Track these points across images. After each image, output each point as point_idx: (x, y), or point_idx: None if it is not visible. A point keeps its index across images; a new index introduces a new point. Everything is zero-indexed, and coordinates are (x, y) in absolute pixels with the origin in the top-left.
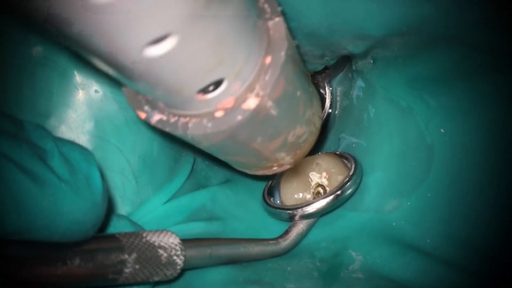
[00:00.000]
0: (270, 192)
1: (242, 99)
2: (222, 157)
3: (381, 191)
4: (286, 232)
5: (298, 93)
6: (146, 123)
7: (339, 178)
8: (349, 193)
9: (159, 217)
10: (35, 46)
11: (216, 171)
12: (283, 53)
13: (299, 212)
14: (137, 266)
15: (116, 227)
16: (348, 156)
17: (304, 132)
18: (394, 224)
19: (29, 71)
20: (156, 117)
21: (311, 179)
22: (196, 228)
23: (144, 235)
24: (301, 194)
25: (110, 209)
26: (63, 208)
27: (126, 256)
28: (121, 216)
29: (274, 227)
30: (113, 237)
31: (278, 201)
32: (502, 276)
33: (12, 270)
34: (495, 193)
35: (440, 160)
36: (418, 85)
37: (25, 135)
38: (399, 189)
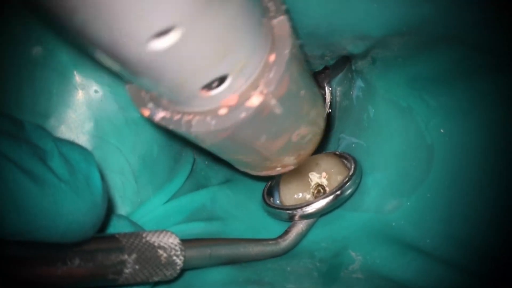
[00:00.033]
0: (270, 192)
1: (246, 96)
2: (225, 156)
3: (381, 191)
4: (286, 232)
5: (302, 92)
6: (150, 120)
7: (339, 178)
8: (349, 193)
9: (159, 217)
10: (35, 46)
11: (216, 171)
12: (287, 51)
13: (299, 212)
14: (137, 267)
15: (116, 227)
16: (347, 156)
17: (308, 132)
18: (394, 224)
19: (29, 71)
20: (159, 115)
21: (310, 179)
22: (196, 228)
23: (144, 235)
24: (300, 194)
25: (110, 209)
26: (63, 209)
27: (126, 256)
28: (121, 216)
29: (274, 227)
30: (113, 237)
31: (277, 201)
32: (502, 276)
33: (12, 270)
34: (495, 193)
35: (440, 160)
36: (418, 85)
37: (25, 135)
38: (399, 189)
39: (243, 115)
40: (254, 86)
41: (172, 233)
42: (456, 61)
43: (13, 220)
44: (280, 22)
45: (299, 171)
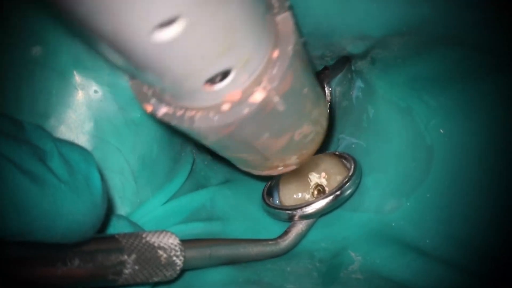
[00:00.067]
0: (270, 192)
1: (249, 92)
2: (227, 154)
3: (381, 191)
4: (286, 232)
5: (306, 90)
6: (152, 116)
7: (338, 178)
8: (349, 194)
9: (159, 218)
10: (35, 46)
11: (216, 172)
12: (291, 47)
13: (299, 212)
14: (136, 267)
15: (115, 227)
16: (347, 156)
17: (310, 131)
18: (393, 224)
19: (28, 71)
20: (162, 110)
21: (310, 179)
22: (196, 229)
23: (144, 235)
24: (300, 194)
25: (109, 209)
26: (63, 209)
27: (126, 257)
28: (120, 216)
29: (274, 227)
30: (112, 238)
31: (277, 201)
32: (502, 276)
33: (12, 270)
34: (495, 193)
35: (439, 160)
36: (418, 85)
37: (24, 136)
38: (398, 189)
39: (246, 111)
40: (257, 82)
41: (172, 233)
42: (456, 61)
43: (13, 220)
44: (284, 19)
45: (299, 171)
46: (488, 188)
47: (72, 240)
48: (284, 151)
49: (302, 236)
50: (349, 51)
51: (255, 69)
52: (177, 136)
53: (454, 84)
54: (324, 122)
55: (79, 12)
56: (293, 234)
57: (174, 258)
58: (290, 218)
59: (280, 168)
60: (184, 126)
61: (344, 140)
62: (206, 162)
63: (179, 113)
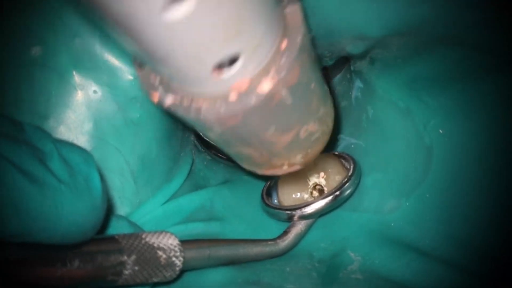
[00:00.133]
0: (269, 192)
1: (256, 82)
2: (232, 150)
3: (380, 191)
4: (285, 232)
5: (313, 85)
6: (159, 105)
7: (337, 178)
8: (348, 194)
9: (158, 218)
10: (34, 46)
11: (215, 172)
12: (299, 38)
13: (298, 212)
14: (136, 268)
15: (115, 227)
16: (346, 156)
17: (316, 129)
18: (393, 224)
19: (28, 72)
20: (169, 100)
21: (309, 179)
22: (195, 229)
23: (143, 236)
24: (298, 194)
25: (109, 210)
26: (63, 211)
27: (126, 257)
28: (120, 217)
29: (273, 227)
30: (112, 238)
31: (276, 201)
32: (502, 276)
33: (12, 271)
34: (495, 193)
35: (439, 160)
36: (417, 85)
37: (24, 137)
38: (398, 189)
39: (253, 100)
40: (265, 72)
41: (172, 234)
42: (456, 62)
43: (13, 221)
44: (293, 11)
45: (298, 171)
46: (488, 188)
47: (72, 241)
48: (290, 148)
49: (302, 236)
50: (349, 51)
51: (263, 58)
52: (176, 136)
53: (454, 84)
54: (330, 122)
55: None
56: (293, 235)
57: (174, 258)
58: (290, 218)
59: (285, 167)
60: (190, 116)
61: (343, 141)
62: (205, 163)
63: (186, 102)
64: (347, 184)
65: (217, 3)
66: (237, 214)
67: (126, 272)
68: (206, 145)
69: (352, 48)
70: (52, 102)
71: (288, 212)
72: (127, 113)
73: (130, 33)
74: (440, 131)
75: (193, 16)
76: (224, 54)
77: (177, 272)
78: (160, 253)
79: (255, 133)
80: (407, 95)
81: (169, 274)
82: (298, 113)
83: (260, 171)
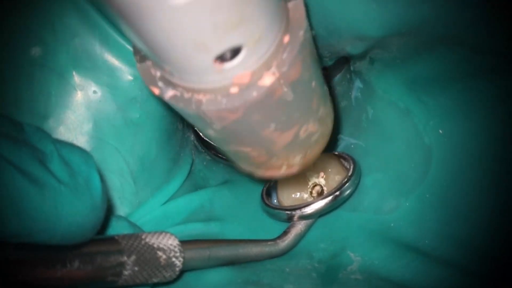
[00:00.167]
0: (268, 192)
1: (258, 75)
2: (231, 148)
3: (380, 191)
4: (285, 233)
5: (314, 84)
6: (160, 98)
7: (337, 178)
8: (348, 194)
9: (158, 218)
10: (34, 46)
11: (215, 172)
12: (302, 33)
13: (298, 213)
14: (136, 268)
15: (115, 228)
16: (346, 156)
17: (316, 130)
18: (392, 224)
19: (27, 72)
20: (170, 93)
21: (308, 179)
22: (195, 229)
23: (143, 237)
24: (298, 194)
25: (109, 210)
26: (63, 211)
27: (125, 258)
28: (120, 217)
29: (273, 228)
30: (112, 239)
31: (275, 201)
32: (502, 276)
33: (12, 272)
34: (494, 193)
35: (438, 160)
36: (417, 86)
37: (24, 138)
38: (397, 189)
39: (254, 94)
40: (267, 66)
41: (172, 234)
42: (456, 62)
43: (13, 222)
44: (296, 5)
45: None
46: (487, 188)
47: (71, 241)
48: (289, 148)
49: (301, 236)
50: (348, 51)
51: (265, 51)
52: (176, 137)
53: (453, 84)
54: (329, 124)
55: None
56: (292, 235)
57: (174, 259)
58: (289, 219)
59: (283, 169)
60: (191, 109)
61: (343, 141)
62: (205, 163)
63: (187, 95)
64: (347, 184)
65: None
66: (236, 215)
67: (126, 272)
68: (206, 146)
69: (352, 48)
70: (51, 102)
71: (288, 212)
72: (126, 114)
73: (133, 18)
74: (440, 131)
75: (197, 1)
76: (226, 43)
77: (177, 273)
78: (160, 253)
79: (255, 129)
80: (407, 95)
81: (169, 275)
82: (299, 111)
83: (258, 173)
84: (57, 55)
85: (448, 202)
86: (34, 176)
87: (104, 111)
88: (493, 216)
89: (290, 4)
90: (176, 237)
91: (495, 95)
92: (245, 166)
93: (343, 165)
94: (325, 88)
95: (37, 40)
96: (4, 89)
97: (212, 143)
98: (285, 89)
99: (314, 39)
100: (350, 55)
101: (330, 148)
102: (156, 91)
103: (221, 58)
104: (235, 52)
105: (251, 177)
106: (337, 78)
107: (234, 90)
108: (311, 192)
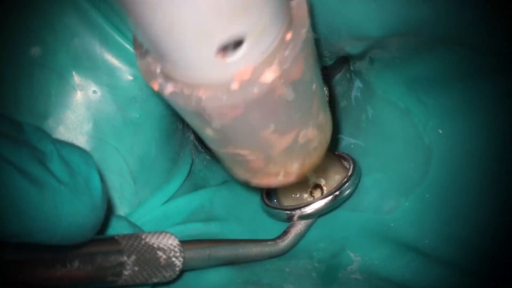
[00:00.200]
0: (268, 192)
1: (259, 71)
2: (228, 150)
3: (380, 191)
4: (285, 232)
5: (314, 86)
6: (159, 94)
7: (336, 177)
8: (348, 194)
9: (158, 218)
10: (33, 46)
11: (215, 172)
12: (304, 30)
13: (298, 212)
14: (136, 268)
15: (115, 228)
16: (346, 156)
17: (315, 136)
18: (392, 224)
19: (27, 72)
20: (169, 89)
21: (308, 178)
22: (195, 229)
23: (143, 237)
24: (298, 194)
25: (109, 210)
26: (63, 212)
27: (125, 258)
28: (120, 217)
29: (272, 227)
30: (112, 239)
31: (275, 201)
32: (502, 276)
33: (11, 272)
34: (494, 193)
35: (438, 160)
36: (417, 86)
37: (24, 138)
38: (397, 189)
39: (255, 90)
40: (268, 62)
41: (172, 234)
42: (455, 62)
43: (13, 222)
44: (299, 3)
45: None
46: (487, 188)
47: (71, 241)
48: (288, 153)
49: (301, 236)
50: (348, 51)
51: (267, 46)
52: (176, 136)
53: (453, 84)
54: (328, 132)
55: None
56: (292, 235)
57: (174, 259)
58: (289, 218)
59: (280, 177)
60: (191, 105)
61: (343, 141)
62: (205, 163)
63: (187, 92)
64: (347, 184)
65: None
66: (236, 214)
67: (126, 272)
68: (205, 146)
69: (351, 48)
70: (51, 102)
71: (288, 212)
72: (126, 113)
73: (134, 4)
74: (440, 131)
75: None
76: (229, 33)
77: (177, 273)
78: (160, 253)
79: (254, 129)
80: (406, 95)
81: (169, 275)
82: (299, 113)
83: (254, 180)
84: (57, 55)
85: (448, 202)
86: (34, 176)
87: (104, 111)
88: (493, 216)
89: (293, 3)
90: (176, 237)
91: (495, 95)
92: (242, 173)
93: (343, 165)
94: (325, 94)
95: (37, 40)
96: (4, 89)
97: (209, 145)
98: (286, 88)
99: (315, 39)
100: (350, 55)
101: (331, 148)
102: (156, 86)
103: (224, 51)
104: (238, 44)
105: (247, 186)
106: (337, 78)
107: (235, 86)
108: (311, 192)
